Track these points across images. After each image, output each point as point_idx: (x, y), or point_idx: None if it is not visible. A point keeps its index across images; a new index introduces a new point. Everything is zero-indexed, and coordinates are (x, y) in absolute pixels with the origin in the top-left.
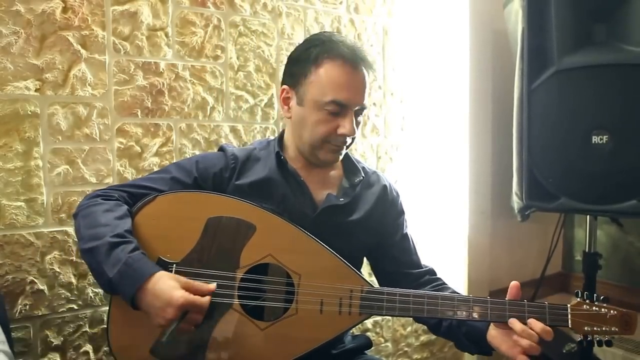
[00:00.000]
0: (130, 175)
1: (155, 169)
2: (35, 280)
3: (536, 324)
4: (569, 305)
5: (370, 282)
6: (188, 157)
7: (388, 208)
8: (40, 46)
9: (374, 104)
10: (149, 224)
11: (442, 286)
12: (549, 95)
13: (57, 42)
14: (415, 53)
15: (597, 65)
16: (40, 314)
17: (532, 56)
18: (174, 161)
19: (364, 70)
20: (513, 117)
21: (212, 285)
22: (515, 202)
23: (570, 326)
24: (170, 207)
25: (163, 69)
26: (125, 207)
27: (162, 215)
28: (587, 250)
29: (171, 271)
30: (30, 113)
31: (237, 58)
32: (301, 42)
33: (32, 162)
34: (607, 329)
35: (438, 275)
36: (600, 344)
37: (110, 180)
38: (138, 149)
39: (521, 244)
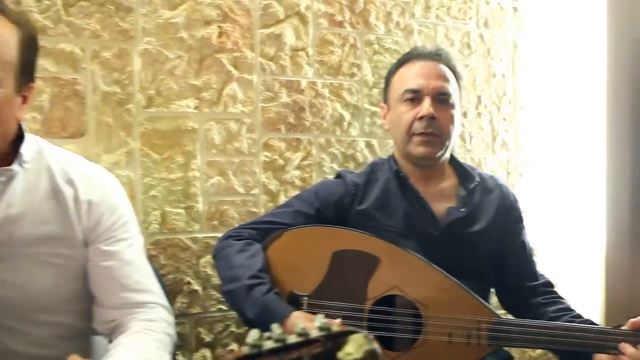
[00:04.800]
0: (274, 187)
1: (297, 181)
2: (192, 281)
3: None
4: None
5: (499, 314)
6: (308, 188)
7: (508, 213)
8: (199, 68)
9: (504, 119)
10: (279, 258)
11: (556, 300)
12: None
13: (213, 64)
14: (547, 66)
15: None
16: (194, 312)
17: None
18: (295, 194)
19: (438, 62)
20: None
21: (337, 322)
22: None
23: None
24: (297, 242)
25: (304, 87)
26: (256, 244)
27: (290, 250)
28: None
29: (303, 304)
30: (189, 129)
31: (372, 75)
32: None
33: (190, 173)
34: None
35: (554, 289)
36: None
37: (256, 191)
38: (281, 162)
39: None
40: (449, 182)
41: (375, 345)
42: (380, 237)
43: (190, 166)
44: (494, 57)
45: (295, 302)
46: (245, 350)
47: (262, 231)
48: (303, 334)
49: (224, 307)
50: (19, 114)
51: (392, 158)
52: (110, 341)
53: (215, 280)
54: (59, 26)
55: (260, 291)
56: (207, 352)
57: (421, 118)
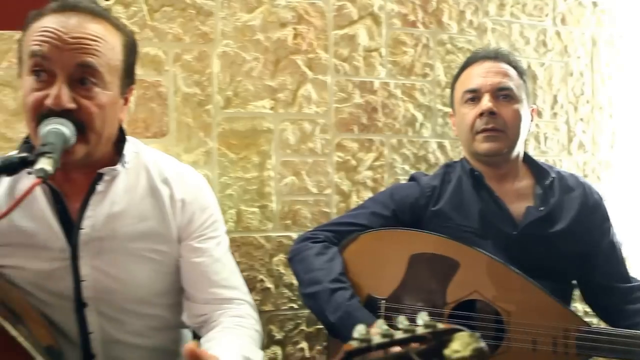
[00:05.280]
0: (346, 187)
1: (369, 182)
2: (264, 279)
3: None
4: None
5: (588, 322)
6: (382, 190)
7: (593, 212)
8: (274, 69)
9: (581, 119)
10: (355, 261)
11: None
12: None
13: (288, 65)
14: (628, 63)
15: None
16: (266, 309)
17: None
18: (368, 196)
19: (496, 61)
20: None
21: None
22: None
23: None
24: (373, 245)
25: (377, 88)
26: (334, 247)
27: (366, 253)
28: None
29: (380, 307)
30: (265, 129)
31: (445, 75)
32: None
33: (265, 173)
34: None
35: None
36: None
37: (329, 192)
38: (354, 162)
39: None
40: (525, 181)
41: (483, 344)
42: (459, 240)
43: (265, 166)
44: (571, 55)
45: (372, 305)
46: (354, 344)
47: (339, 233)
48: (409, 330)
49: (295, 306)
50: (122, 115)
51: (464, 159)
52: (195, 335)
53: (287, 278)
54: (144, 31)
55: (343, 296)
56: (277, 350)
57: (481, 115)
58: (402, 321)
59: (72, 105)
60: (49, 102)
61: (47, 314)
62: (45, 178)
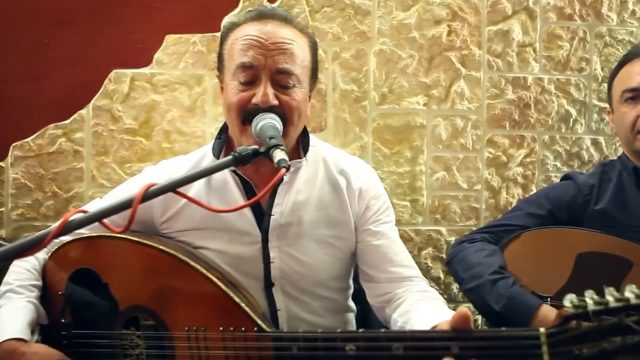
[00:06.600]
0: (496, 183)
1: (519, 179)
2: None
3: None
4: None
5: None
6: (535, 192)
7: None
8: (428, 66)
9: None
10: (516, 259)
11: None
12: None
13: (442, 62)
14: None
15: None
16: None
17: None
18: (520, 193)
19: None
20: None
21: None
22: None
23: None
24: (536, 243)
25: (530, 83)
26: (492, 245)
27: (529, 251)
28: None
29: (546, 304)
30: (418, 125)
31: (602, 69)
32: None
33: (417, 168)
34: None
35: None
36: None
37: (479, 187)
38: (504, 159)
39: None
40: None
41: None
42: (630, 239)
43: (418, 161)
44: None
45: None
46: (570, 310)
47: (495, 234)
48: (623, 299)
49: None
50: (308, 111)
51: (623, 157)
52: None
53: (435, 272)
54: None
55: (505, 285)
56: None
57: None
58: (612, 292)
59: (275, 102)
60: (256, 100)
61: None
62: (287, 168)
